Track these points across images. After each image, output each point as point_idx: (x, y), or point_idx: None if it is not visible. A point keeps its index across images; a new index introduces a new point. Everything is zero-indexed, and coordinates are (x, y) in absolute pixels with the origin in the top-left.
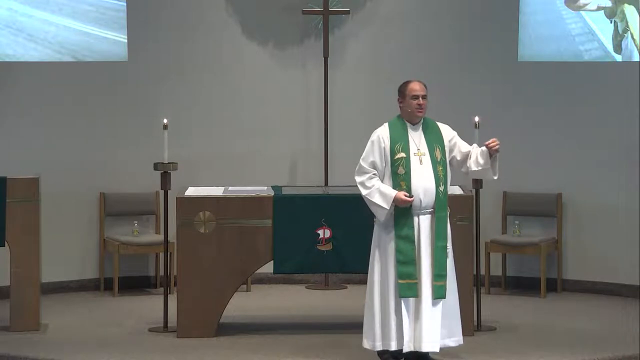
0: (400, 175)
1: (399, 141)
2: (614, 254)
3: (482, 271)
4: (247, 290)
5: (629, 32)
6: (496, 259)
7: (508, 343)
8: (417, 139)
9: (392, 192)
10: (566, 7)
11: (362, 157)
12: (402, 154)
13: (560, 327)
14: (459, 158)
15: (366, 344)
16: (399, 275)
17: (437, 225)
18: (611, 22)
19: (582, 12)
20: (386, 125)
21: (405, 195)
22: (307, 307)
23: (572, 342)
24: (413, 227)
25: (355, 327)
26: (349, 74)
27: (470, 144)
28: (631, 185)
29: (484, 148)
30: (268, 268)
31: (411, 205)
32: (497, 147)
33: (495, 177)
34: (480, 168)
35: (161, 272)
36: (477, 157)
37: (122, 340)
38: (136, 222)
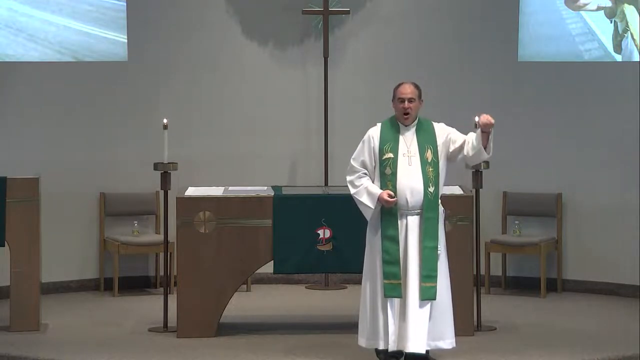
0: (387, 175)
1: (388, 141)
2: (614, 254)
3: (482, 271)
4: (247, 290)
5: (629, 32)
6: (496, 259)
7: (508, 343)
8: (408, 140)
9: (378, 192)
10: (566, 7)
11: (352, 157)
12: (390, 155)
13: (560, 327)
14: (457, 152)
15: (361, 342)
16: (384, 275)
17: (425, 226)
18: (611, 22)
19: (582, 12)
20: (379, 125)
21: (389, 196)
22: (307, 307)
23: (572, 342)
24: (398, 228)
25: (355, 327)
26: (349, 74)
27: None
28: (631, 186)
29: (478, 131)
30: (268, 268)
31: (397, 206)
32: (488, 123)
33: (489, 155)
34: (475, 151)
35: (161, 272)
36: (472, 142)
37: (122, 340)
38: (136, 222)
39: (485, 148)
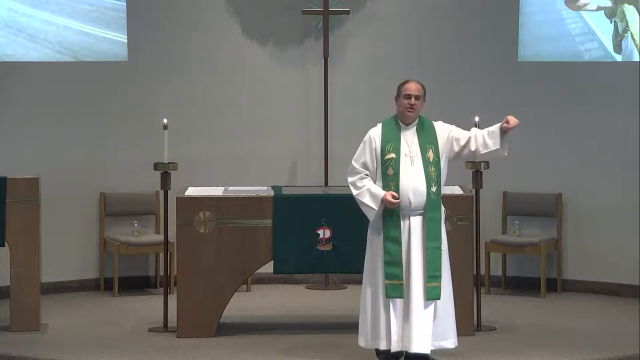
0: (389, 176)
1: (390, 142)
2: (614, 254)
3: (482, 271)
4: (247, 290)
5: (629, 32)
6: (496, 259)
7: (508, 343)
8: (409, 140)
9: (381, 193)
10: (566, 7)
11: (354, 158)
12: (392, 155)
13: (560, 327)
14: (462, 150)
15: (360, 342)
16: (386, 276)
17: (428, 227)
18: (611, 22)
19: (582, 12)
20: (380, 125)
21: (393, 197)
22: (307, 307)
23: (572, 342)
24: (400, 229)
25: (354, 327)
26: (349, 74)
27: None
28: (631, 185)
29: (493, 129)
30: (268, 268)
31: (399, 206)
32: (515, 125)
33: (506, 154)
34: (488, 150)
35: (161, 272)
36: (484, 139)
37: (122, 340)
38: (136, 222)
39: (501, 146)
